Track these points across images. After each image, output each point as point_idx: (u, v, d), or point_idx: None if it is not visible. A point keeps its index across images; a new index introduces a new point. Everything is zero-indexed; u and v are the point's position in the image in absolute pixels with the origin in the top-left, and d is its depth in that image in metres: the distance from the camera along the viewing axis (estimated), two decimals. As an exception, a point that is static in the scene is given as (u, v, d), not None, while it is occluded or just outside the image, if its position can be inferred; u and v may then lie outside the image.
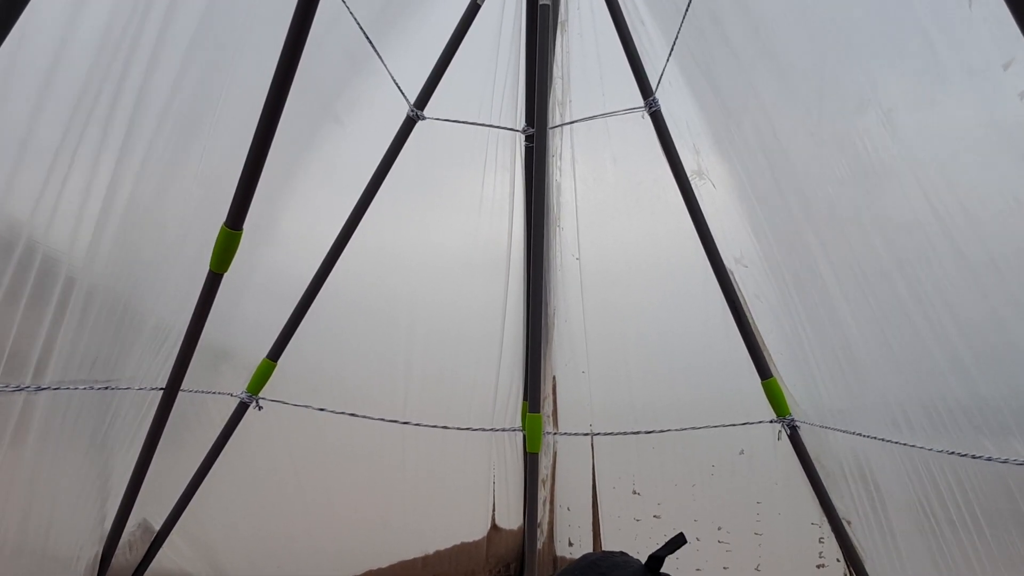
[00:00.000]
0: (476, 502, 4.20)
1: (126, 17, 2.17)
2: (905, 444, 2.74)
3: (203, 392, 3.36)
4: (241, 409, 3.42)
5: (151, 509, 3.30)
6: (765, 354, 3.47)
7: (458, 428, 3.99)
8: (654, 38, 3.33)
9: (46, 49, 2.00)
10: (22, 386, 2.26)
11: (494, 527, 4.24)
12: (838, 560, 3.49)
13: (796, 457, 3.50)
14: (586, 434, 4.09)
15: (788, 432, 3.47)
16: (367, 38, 3.08)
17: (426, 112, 3.42)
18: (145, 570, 3.35)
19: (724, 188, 3.44)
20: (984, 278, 2.24)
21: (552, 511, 4.29)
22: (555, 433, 4.18)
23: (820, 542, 3.54)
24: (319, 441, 3.77)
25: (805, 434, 3.47)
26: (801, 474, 3.50)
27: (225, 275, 2.61)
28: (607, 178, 3.85)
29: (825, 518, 3.47)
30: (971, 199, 2.19)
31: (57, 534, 2.73)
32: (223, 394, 3.44)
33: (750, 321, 3.46)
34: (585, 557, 1.95)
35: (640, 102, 3.34)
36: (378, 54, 3.17)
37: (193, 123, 2.63)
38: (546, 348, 4.07)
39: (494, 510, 4.23)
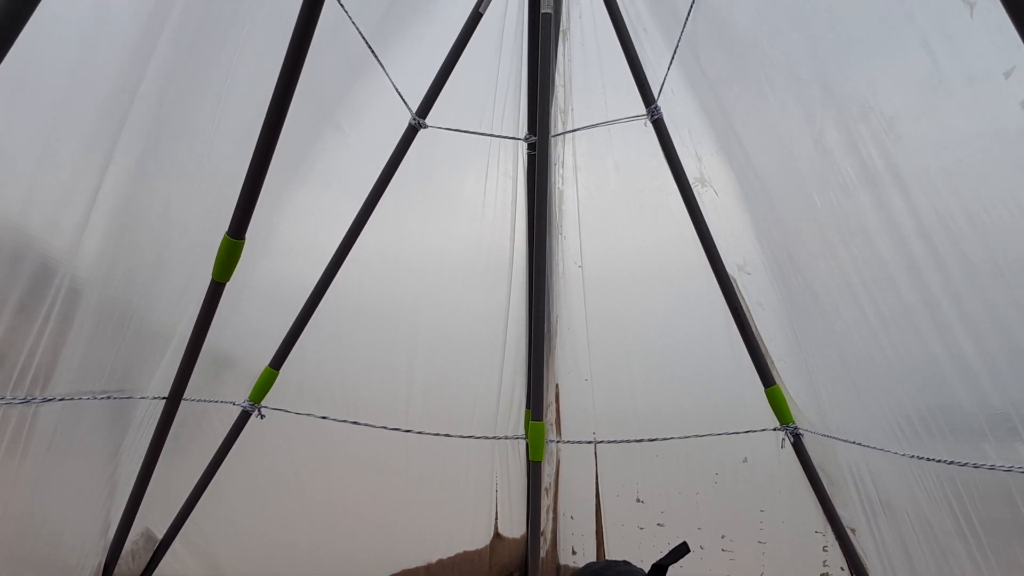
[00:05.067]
0: (479, 510, 4.19)
1: (128, 20, 2.18)
2: (909, 456, 2.73)
3: (206, 401, 3.36)
4: (243, 418, 3.42)
5: (154, 518, 3.29)
6: (768, 362, 3.46)
7: (460, 436, 3.99)
8: (656, 46, 3.34)
9: (52, 52, 2.00)
10: (30, 398, 2.26)
11: (497, 535, 4.23)
12: (842, 569, 3.47)
13: (800, 465, 3.49)
14: (589, 442, 4.08)
15: (791, 440, 3.46)
16: (369, 47, 3.09)
17: (428, 120, 3.43)
18: (148, 579, 3.35)
19: (726, 195, 3.45)
20: (989, 284, 2.24)
21: (555, 519, 4.28)
22: (558, 441, 4.17)
23: (824, 551, 3.52)
24: (322, 449, 3.77)
25: (808, 442, 3.46)
26: (805, 482, 3.48)
27: (227, 283, 2.62)
28: (609, 186, 3.85)
29: (829, 526, 3.46)
30: (975, 206, 2.19)
31: (60, 543, 2.72)
32: (225, 403, 3.44)
33: (753, 328, 3.46)
34: (589, 566, 1.95)
35: (642, 110, 3.35)
36: (380, 63, 3.19)
37: (198, 131, 2.64)
38: (549, 356, 4.06)
39: (497, 518, 4.22)
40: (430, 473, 3.99)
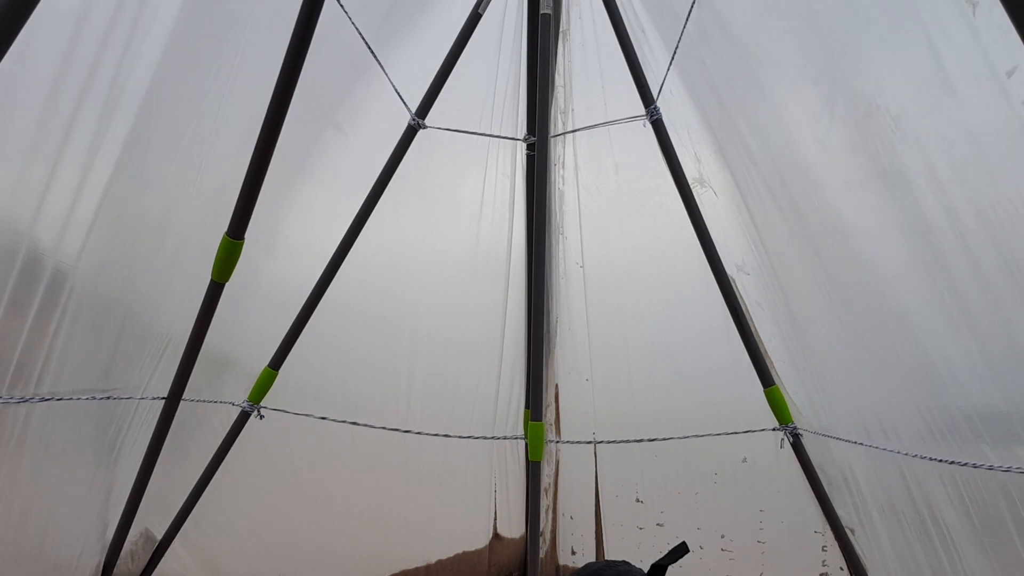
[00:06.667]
0: (478, 511, 4.19)
1: (130, 20, 2.18)
2: (906, 454, 2.74)
3: (205, 401, 3.36)
4: (243, 418, 3.42)
5: (153, 518, 3.29)
6: (767, 362, 3.47)
7: (460, 436, 3.99)
8: (655, 47, 3.34)
9: (50, 53, 2.00)
10: (26, 397, 2.26)
11: (496, 536, 4.23)
12: (841, 568, 3.47)
13: (799, 465, 3.49)
14: (589, 442, 4.08)
15: (791, 440, 3.46)
16: (368, 47, 3.09)
17: (428, 120, 3.43)
18: (147, 580, 3.35)
19: (725, 196, 3.45)
20: (993, 283, 2.24)
21: (555, 519, 4.28)
22: (558, 441, 4.17)
23: (823, 550, 3.52)
24: (321, 450, 3.77)
25: (808, 442, 3.46)
26: (804, 482, 3.49)
27: (227, 283, 2.62)
28: (609, 186, 3.85)
29: (828, 526, 3.46)
30: (980, 205, 2.19)
31: (59, 543, 2.72)
32: (225, 403, 3.44)
33: (752, 328, 3.46)
34: (588, 566, 1.95)
35: (642, 110, 3.35)
36: (379, 63, 3.19)
37: (197, 131, 2.64)
38: (549, 356, 4.06)
39: (496, 519, 4.22)
40: (429, 473, 3.99)
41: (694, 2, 2.92)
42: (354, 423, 3.73)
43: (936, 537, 2.74)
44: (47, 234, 2.19)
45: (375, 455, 3.86)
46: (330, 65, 3.04)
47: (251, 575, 3.69)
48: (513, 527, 4.27)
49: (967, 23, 2.02)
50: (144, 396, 2.93)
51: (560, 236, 3.96)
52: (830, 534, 3.47)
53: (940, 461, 2.56)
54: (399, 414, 3.86)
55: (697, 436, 3.76)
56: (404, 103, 3.37)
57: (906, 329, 2.60)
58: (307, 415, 3.65)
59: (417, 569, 4.03)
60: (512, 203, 3.91)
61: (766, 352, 3.48)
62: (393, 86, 3.30)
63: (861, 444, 3.03)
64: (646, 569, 1.90)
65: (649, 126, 3.36)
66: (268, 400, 3.47)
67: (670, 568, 1.87)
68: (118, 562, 3.09)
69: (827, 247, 2.90)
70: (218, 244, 2.48)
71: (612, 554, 4.12)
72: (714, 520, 3.83)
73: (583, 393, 4.06)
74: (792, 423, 3.45)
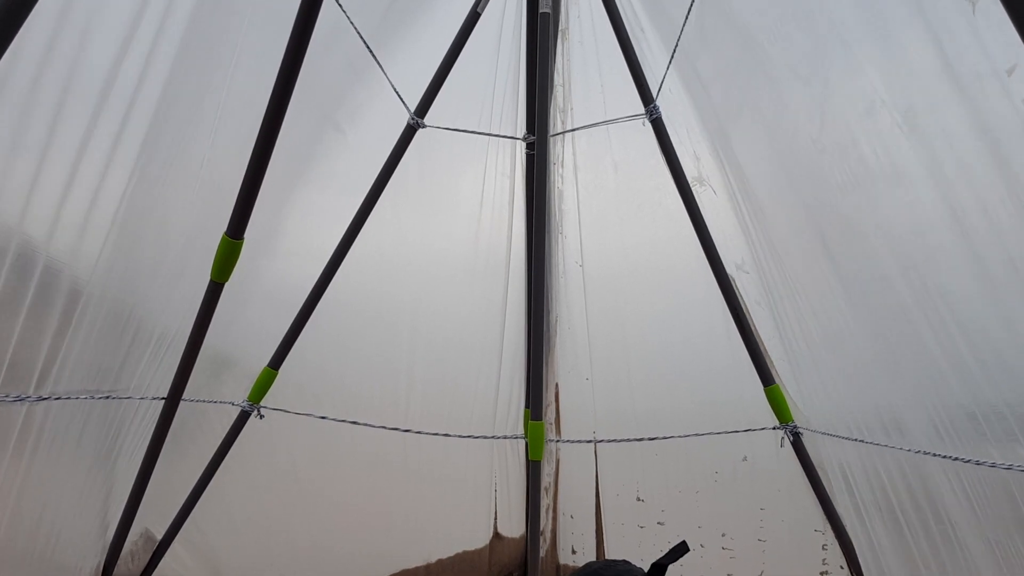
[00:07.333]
0: (478, 510, 4.18)
1: (128, 21, 2.17)
2: (908, 450, 2.74)
3: (205, 401, 3.35)
4: (243, 418, 3.42)
5: (153, 518, 3.29)
6: (767, 361, 3.47)
7: (460, 436, 3.98)
8: (654, 45, 3.34)
9: (48, 52, 2.00)
10: (23, 396, 2.26)
11: (496, 535, 4.22)
12: (841, 567, 3.47)
13: (799, 464, 3.49)
14: (589, 441, 4.08)
15: (791, 439, 3.46)
16: (367, 47, 3.09)
17: (427, 120, 3.43)
18: (147, 580, 3.35)
19: (725, 194, 3.45)
20: (992, 283, 2.24)
21: (555, 519, 4.28)
22: (558, 440, 4.17)
23: (823, 549, 3.52)
24: (321, 449, 3.77)
25: (808, 441, 3.46)
26: (804, 481, 3.49)
27: (227, 283, 2.61)
28: (608, 185, 3.85)
29: (828, 525, 3.46)
30: (976, 204, 2.19)
31: (59, 544, 2.71)
32: (224, 403, 3.44)
33: (752, 327, 3.46)
34: (588, 565, 1.96)
35: (641, 109, 3.35)
36: (378, 63, 3.18)
37: (196, 131, 2.63)
38: (549, 355, 4.06)
39: (496, 518, 4.22)
40: (429, 473, 3.99)
41: (693, 1, 2.92)
42: (354, 422, 3.73)
43: (938, 535, 2.74)
44: (47, 235, 2.18)
45: (375, 454, 3.86)
46: (328, 64, 3.04)
47: (251, 575, 3.69)
48: (513, 526, 4.27)
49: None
50: (144, 396, 2.93)
51: (559, 235, 3.96)
52: (830, 532, 3.47)
53: (944, 457, 2.56)
54: (399, 413, 3.86)
55: (698, 435, 3.76)
56: (403, 102, 3.37)
57: (909, 326, 2.60)
58: (307, 415, 3.65)
59: (417, 568, 4.03)
60: (512, 202, 3.91)
61: (766, 351, 3.48)
62: (392, 85, 3.30)
63: (862, 441, 3.03)
64: (647, 568, 1.90)
65: (648, 125, 3.36)
66: (268, 400, 3.47)
67: (671, 567, 1.88)
68: (118, 562, 3.09)
69: (827, 245, 2.90)
70: (217, 244, 2.48)
71: (613, 553, 4.12)
72: (715, 519, 3.83)
73: (583, 392, 4.06)
74: (792, 422, 3.46)
